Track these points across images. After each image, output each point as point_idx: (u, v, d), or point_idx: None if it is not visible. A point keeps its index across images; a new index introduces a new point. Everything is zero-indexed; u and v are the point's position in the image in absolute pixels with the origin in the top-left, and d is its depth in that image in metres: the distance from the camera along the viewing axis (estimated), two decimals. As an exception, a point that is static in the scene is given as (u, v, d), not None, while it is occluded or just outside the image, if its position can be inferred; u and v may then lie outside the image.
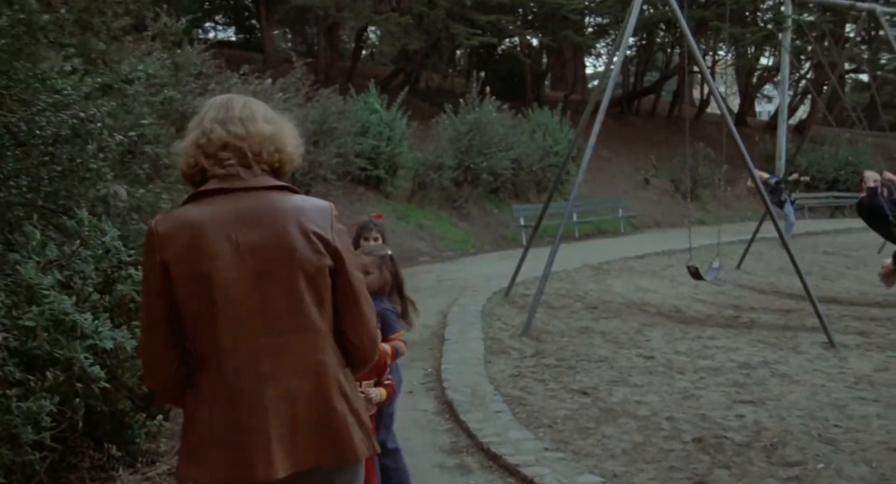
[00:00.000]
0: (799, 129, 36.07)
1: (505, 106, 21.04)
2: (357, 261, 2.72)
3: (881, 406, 7.27)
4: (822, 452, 6.03)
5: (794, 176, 12.77)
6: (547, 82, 38.96)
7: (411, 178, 19.17)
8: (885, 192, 11.51)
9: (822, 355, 9.21)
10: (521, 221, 19.14)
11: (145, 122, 5.24)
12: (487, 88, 20.93)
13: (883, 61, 35.93)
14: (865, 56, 34.29)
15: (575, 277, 14.13)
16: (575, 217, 20.46)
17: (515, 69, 31.35)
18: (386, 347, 4.20)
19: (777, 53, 32.95)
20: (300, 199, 2.64)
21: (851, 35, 27.01)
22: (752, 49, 34.66)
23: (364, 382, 3.98)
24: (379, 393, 4.11)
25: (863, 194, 11.64)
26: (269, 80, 14.08)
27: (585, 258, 16.02)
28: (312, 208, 2.63)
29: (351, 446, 2.60)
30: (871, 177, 11.69)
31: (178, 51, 11.88)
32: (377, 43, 34.75)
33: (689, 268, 11.76)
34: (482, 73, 22.80)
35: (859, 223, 16.37)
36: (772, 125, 34.54)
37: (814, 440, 6.30)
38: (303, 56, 17.60)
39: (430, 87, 31.09)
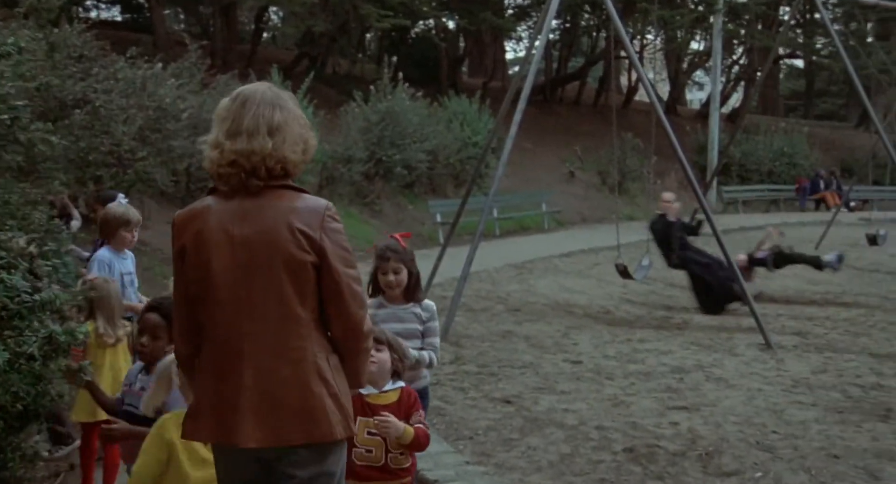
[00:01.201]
0: (731, 118, 36.84)
1: (419, 94, 21.04)
2: (346, 257, 3.15)
3: (820, 410, 7.47)
4: (759, 460, 6.16)
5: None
6: (464, 68, 39.11)
7: (318, 173, 19.00)
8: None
9: (758, 357, 9.42)
10: (438, 218, 19.16)
11: (20, 103, 5.05)
12: (400, 75, 20.96)
13: (818, 46, 36.89)
14: (800, 40, 35.20)
15: (496, 277, 14.22)
16: (495, 213, 20.57)
17: (430, 54, 31.36)
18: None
19: (708, 37, 33.63)
20: (297, 199, 3.15)
21: (786, 18, 27.74)
22: (683, 32, 35.27)
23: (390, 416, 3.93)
24: (403, 430, 3.94)
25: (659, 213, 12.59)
26: (160, 65, 13.81)
27: (507, 257, 16.12)
28: (305, 208, 3.12)
29: (327, 426, 3.09)
30: (667, 199, 12.66)
31: (55, 30, 11.57)
32: (279, 24, 34.42)
33: (617, 266, 11.93)
34: (394, 59, 22.81)
35: (795, 217, 16.78)
36: (703, 114, 35.23)
37: (751, 448, 6.44)
38: (197, 38, 17.35)
39: (338, 73, 30.92)
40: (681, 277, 14.94)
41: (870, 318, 12.00)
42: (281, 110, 3.17)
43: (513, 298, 12.64)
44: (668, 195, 12.93)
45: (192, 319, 3.19)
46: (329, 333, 3.18)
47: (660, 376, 8.52)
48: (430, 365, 4.90)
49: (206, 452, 3.55)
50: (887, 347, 10.12)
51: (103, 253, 6.23)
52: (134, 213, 6.37)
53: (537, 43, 11.19)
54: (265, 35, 32.46)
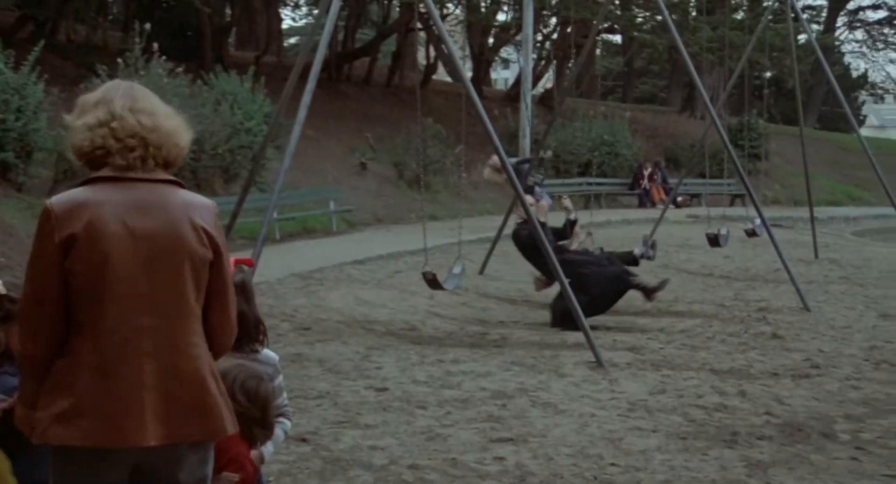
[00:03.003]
0: (544, 101, 37.81)
1: (179, 69, 20.57)
2: (229, 257, 3.73)
3: (661, 437, 7.74)
4: (600, 498, 6.31)
5: (547, 153, 13.55)
6: (232, 40, 38.59)
7: (53, 165, 18.33)
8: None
9: (589, 378, 9.69)
10: (205, 220, 18.79)
11: None
12: (155, 46, 20.34)
13: (639, 19, 38.32)
14: (618, 13, 36.49)
15: (279, 289, 14.05)
16: (275, 213, 20.35)
17: (190, 22, 30.74)
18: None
19: (517, 7, 34.39)
20: (188, 195, 3.63)
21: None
22: (488, 2, 35.99)
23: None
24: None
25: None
26: None
27: (291, 265, 15.98)
28: (200, 204, 3.62)
29: (221, 422, 3.55)
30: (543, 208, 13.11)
31: None
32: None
33: (425, 275, 11.99)
34: (147, 26, 22.08)
35: (618, 215, 17.37)
36: (512, 96, 36.02)
37: (588, 483, 6.59)
38: None
39: (75, 42, 29.85)
40: (496, 285, 15.28)
41: (707, 329, 12.59)
42: (162, 102, 3.72)
43: (301, 314, 12.53)
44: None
45: (61, 315, 3.46)
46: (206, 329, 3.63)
47: (479, 403, 8.62)
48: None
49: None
50: (728, 362, 10.63)
51: None
52: None
53: (331, 9, 11.09)
54: (-24, -8, 30.98)
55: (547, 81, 46.10)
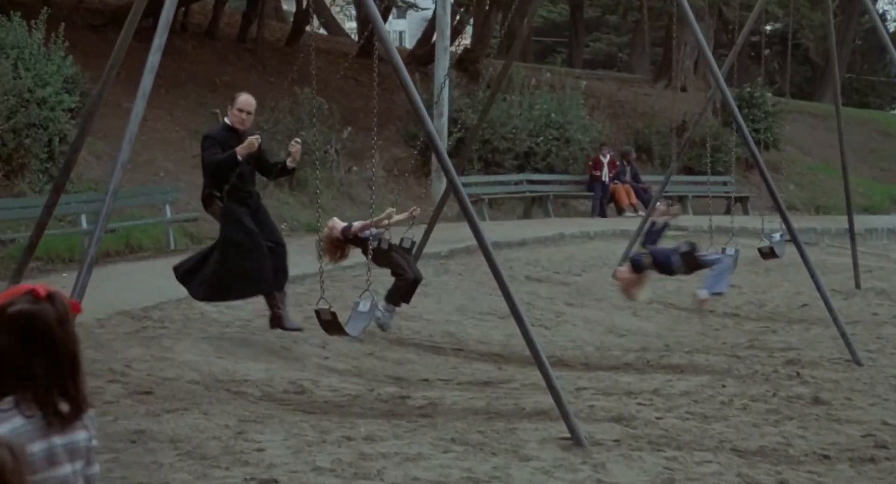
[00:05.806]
0: (462, 64, 37.82)
1: (-64, 12, 20.33)
2: None
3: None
4: None
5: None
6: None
7: None
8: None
9: (563, 462, 9.55)
10: (-15, 232, 18.55)
11: None
12: None
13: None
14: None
15: (102, 336, 13.79)
16: (84, 223, 20.09)
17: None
18: None
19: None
20: None
21: None
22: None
23: None
24: None
25: None
26: None
27: (117, 300, 15.71)
28: None
29: None
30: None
31: None
32: None
33: (320, 314, 11.82)
34: None
35: (574, 225, 17.33)
36: (421, 56, 35.99)
37: None
38: None
39: None
40: (411, 326, 15.17)
41: (719, 390, 12.55)
42: None
43: (137, 371, 12.29)
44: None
45: None
46: None
47: (413, 501, 8.52)
48: None
49: None
50: (757, 439, 10.57)
51: None
52: None
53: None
54: None
55: (464, 37, 46.18)
